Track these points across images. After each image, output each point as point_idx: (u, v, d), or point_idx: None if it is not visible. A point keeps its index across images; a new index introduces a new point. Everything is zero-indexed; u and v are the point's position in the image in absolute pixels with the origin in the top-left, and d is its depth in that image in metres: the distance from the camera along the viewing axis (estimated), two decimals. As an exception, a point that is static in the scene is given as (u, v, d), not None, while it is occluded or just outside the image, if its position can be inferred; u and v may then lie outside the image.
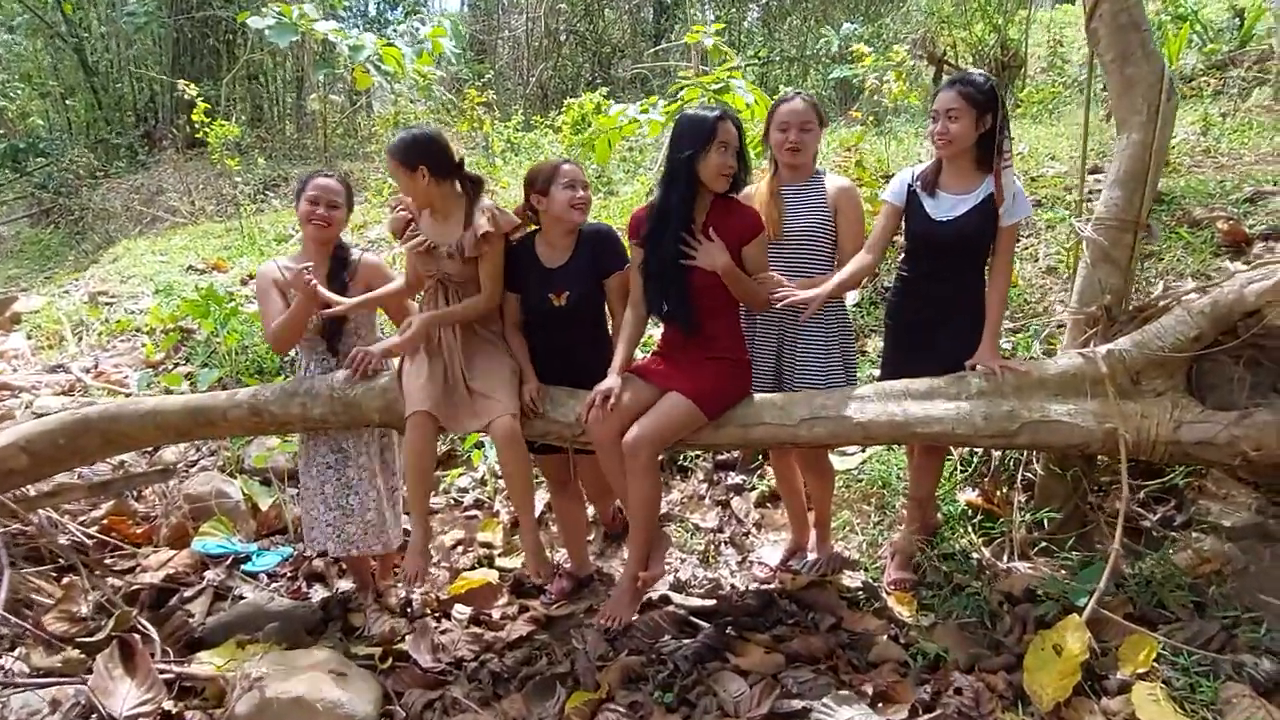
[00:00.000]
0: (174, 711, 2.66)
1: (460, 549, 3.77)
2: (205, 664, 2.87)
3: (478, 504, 4.11)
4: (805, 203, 3.06)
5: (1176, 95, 3.01)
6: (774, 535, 3.67)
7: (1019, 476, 3.39)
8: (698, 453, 4.03)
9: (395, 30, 11.09)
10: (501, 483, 4.00)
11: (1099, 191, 3.42)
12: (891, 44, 9.19)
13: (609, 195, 7.60)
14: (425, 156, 2.86)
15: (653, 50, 14.08)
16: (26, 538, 3.44)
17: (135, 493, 4.01)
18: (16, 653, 2.87)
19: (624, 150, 8.20)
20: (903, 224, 3.07)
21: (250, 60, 13.43)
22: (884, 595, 3.13)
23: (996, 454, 3.53)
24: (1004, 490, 3.46)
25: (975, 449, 3.58)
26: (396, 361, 3.08)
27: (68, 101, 14.27)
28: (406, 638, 3.07)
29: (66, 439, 3.15)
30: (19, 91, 14.06)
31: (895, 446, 3.72)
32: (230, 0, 12.50)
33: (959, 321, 2.98)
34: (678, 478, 4.11)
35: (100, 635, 2.97)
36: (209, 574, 3.51)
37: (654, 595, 3.23)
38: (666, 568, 3.32)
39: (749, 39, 14.93)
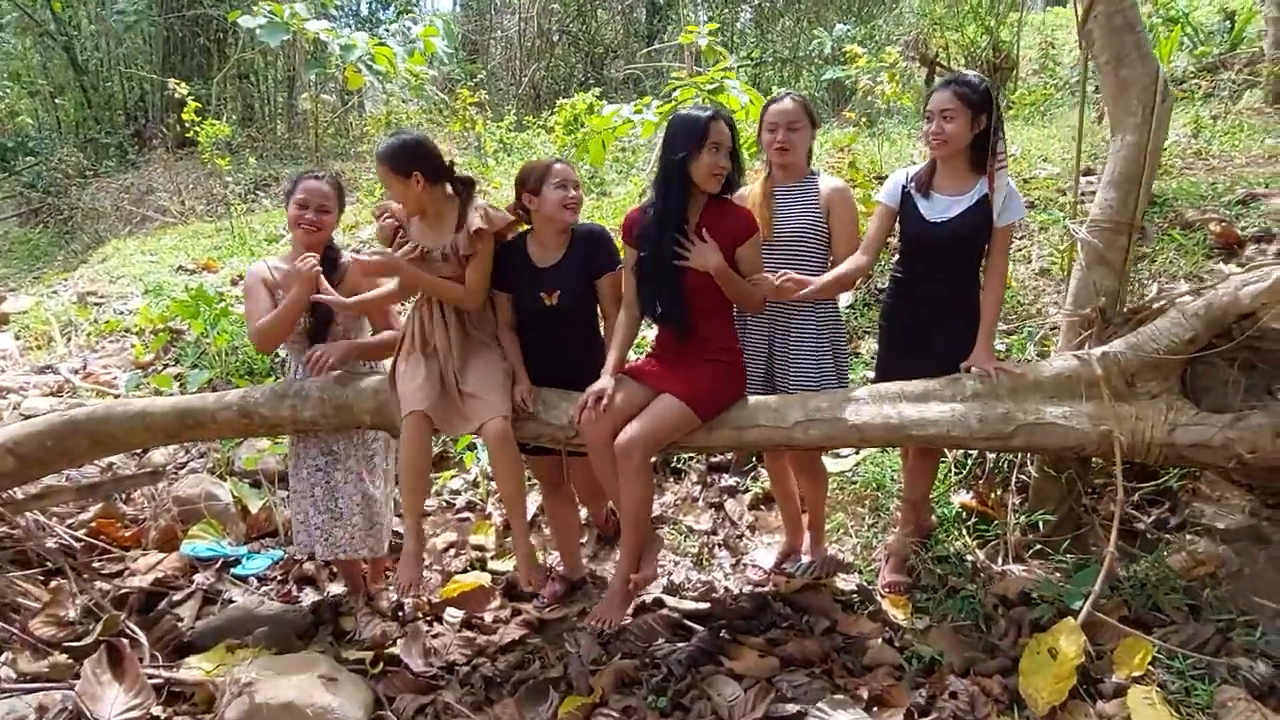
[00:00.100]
0: (163, 717, 2.64)
1: (452, 552, 3.75)
2: (194, 669, 2.85)
3: (470, 506, 4.08)
4: (798, 203, 3.05)
5: (1171, 97, 3.00)
6: (768, 538, 3.66)
7: (1013, 479, 3.38)
8: (691, 454, 4.01)
9: (387, 29, 11.04)
10: (494, 485, 3.98)
11: (1092, 193, 3.42)
12: (884, 45, 9.21)
13: (602, 196, 7.58)
14: (418, 162, 2.83)
15: (645, 51, 14.08)
16: (13, 541, 3.40)
17: (124, 495, 3.98)
18: (3, 658, 2.84)
19: (617, 151, 8.18)
20: (897, 225, 3.06)
21: (241, 59, 13.37)
22: (878, 598, 3.12)
23: (991, 456, 3.53)
24: (998, 492, 3.45)
25: (970, 451, 3.57)
26: (389, 363, 3.06)
27: (57, 100, 14.19)
28: (398, 642, 3.04)
29: (54, 441, 3.12)
30: (8, 90, 13.96)
31: (889, 449, 3.71)
32: (221, -1, 12.45)
33: (953, 323, 2.98)
34: (671, 479, 4.09)
35: (88, 640, 2.94)
36: (198, 577, 3.47)
37: (647, 598, 3.21)
38: (659, 570, 3.31)
39: (741, 40, 14.93)
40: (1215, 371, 2.75)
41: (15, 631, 2.93)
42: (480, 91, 9.98)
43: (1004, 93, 8.98)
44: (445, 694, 2.77)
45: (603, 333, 3.08)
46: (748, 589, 3.32)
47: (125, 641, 2.88)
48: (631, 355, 3.13)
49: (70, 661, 2.84)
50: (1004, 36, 9.73)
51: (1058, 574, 3.01)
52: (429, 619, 3.26)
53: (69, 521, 3.74)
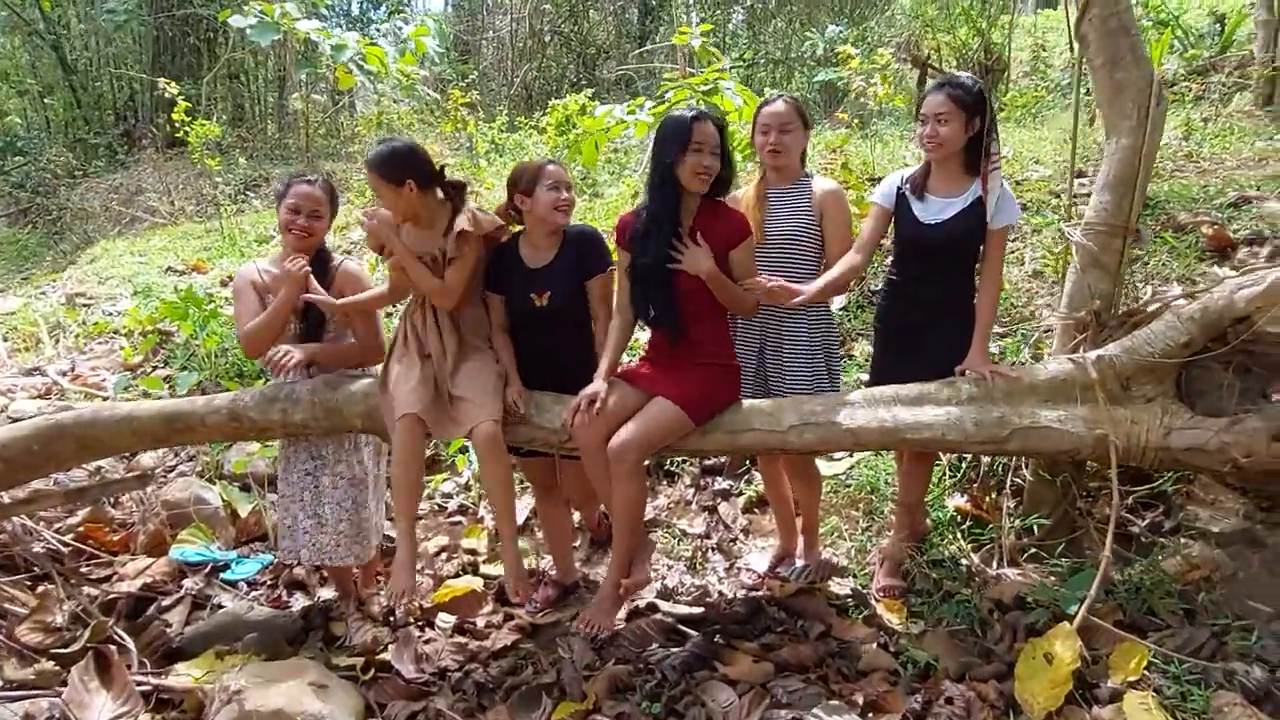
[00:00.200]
0: (151, 725, 2.61)
1: (444, 556, 3.72)
2: (183, 676, 2.81)
3: (462, 509, 4.06)
4: (791, 205, 3.04)
5: (1165, 100, 3.00)
6: (762, 541, 3.65)
7: (1008, 482, 3.37)
8: (684, 457, 3.99)
9: (378, 29, 11.00)
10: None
11: (1084, 195, 3.42)
12: (876, 47, 9.21)
13: (594, 197, 7.57)
14: (410, 169, 2.80)
15: (638, 52, 14.07)
16: (0, 545, 3.36)
17: (112, 499, 3.93)
18: (-11, 665, 2.80)
19: (609, 152, 8.17)
20: (891, 228, 3.05)
21: (231, 59, 13.32)
22: (873, 602, 3.11)
23: (985, 460, 3.52)
24: (993, 496, 3.44)
25: (964, 454, 3.56)
26: (380, 367, 3.03)
27: (46, 100, 14.12)
28: (389, 647, 3.01)
29: (40, 445, 3.08)
30: (-4, 90, 13.91)
31: (883, 452, 3.70)
32: (211, -2, 12.40)
33: (947, 324, 2.97)
34: (664, 483, 4.08)
35: (75, 646, 2.91)
36: (187, 582, 3.44)
37: (641, 603, 3.20)
38: (653, 574, 3.29)
39: (733, 41, 14.94)
40: (1210, 375, 2.75)
41: (1, 638, 2.89)
42: (472, 92, 9.97)
43: (996, 95, 9.00)
44: (437, 701, 2.74)
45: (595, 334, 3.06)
46: (742, 593, 3.30)
47: (113, 648, 2.84)
48: (625, 357, 3.10)
49: (57, 668, 2.80)
50: (995, 38, 9.77)
51: (1052, 577, 3.00)
52: (420, 624, 3.23)
53: (56, 526, 3.70)
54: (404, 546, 2.86)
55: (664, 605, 3.19)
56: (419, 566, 3.52)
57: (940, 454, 3.46)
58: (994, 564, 3.14)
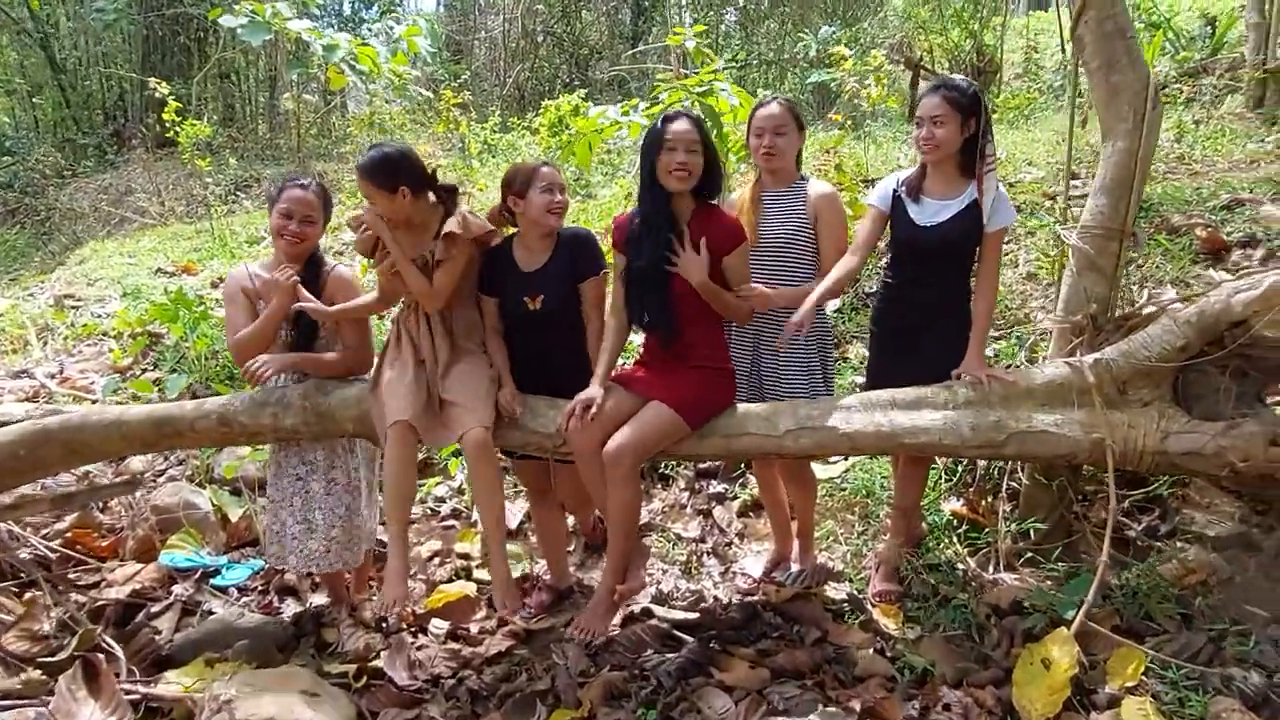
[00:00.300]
0: (140, 734, 2.57)
1: (437, 560, 3.69)
2: (173, 684, 2.78)
3: (455, 514, 4.03)
4: (786, 208, 3.03)
5: (1162, 103, 3.00)
6: (757, 545, 3.63)
7: (1004, 486, 3.36)
8: (679, 461, 3.97)
9: (370, 29, 10.95)
10: (479, 493, 3.92)
11: (1078, 197, 3.41)
12: (868, 49, 9.22)
13: (587, 199, 7.55)
14: (403, 175, 2.77)
15: (630, 52, 14.05)
16: (-14, 552, 3.33)
17: (100, 504, 3.89)
18: (-26, 674, 2.76)
19: (602, 153, 8.15)
20: (887, 230, 3.04)
21: (222, 59, 13.25)
22: (869, 607, 3.09)
23: (981, 463, 3.51)
24: (989, 500, 3.43)
25: (960, 458, 3.55)
26: (372, 372, 3.00)
27: (34, 99, 14.01)
28: (382, 654, 2.98)
29: (27, 450, 3.04)
30: (-16, 88, 13.81)
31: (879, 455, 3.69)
32: (201, -3, 12.32)
33: (943, 326, 2.96)
34: (659, 486, 4.06)
35: (63, 654, 2.86)
36: (177, 588, 3.39)
37: (636, 608, 3.17)
38: (648, 579, 3.26)
39: (726, 42, 14.94)
40: (1206, 379, 2.74)
41: (-13, 646, 2.85)
42: (464, 92, 9.93)
43: (988, 96, 9.01)
44: (430, 708, 2.71)
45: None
46: (737, 598, 3.28)
47: (101, 656, 2.80)
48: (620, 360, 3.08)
49: (44, 678, 2.75)
50: (987, 40, 9.78)
51: (1049, 582, 3.00)
52: (413, 630, 3.20)
53: (44, 531, 3.66)
54: (396, 556, 2.81)
55: (659, 610, 3.16)
56: (412, 571, 3.49)
57: (936, 458, 3.45)
58: (990, 568, 3.13)
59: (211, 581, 3.50)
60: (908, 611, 3.04)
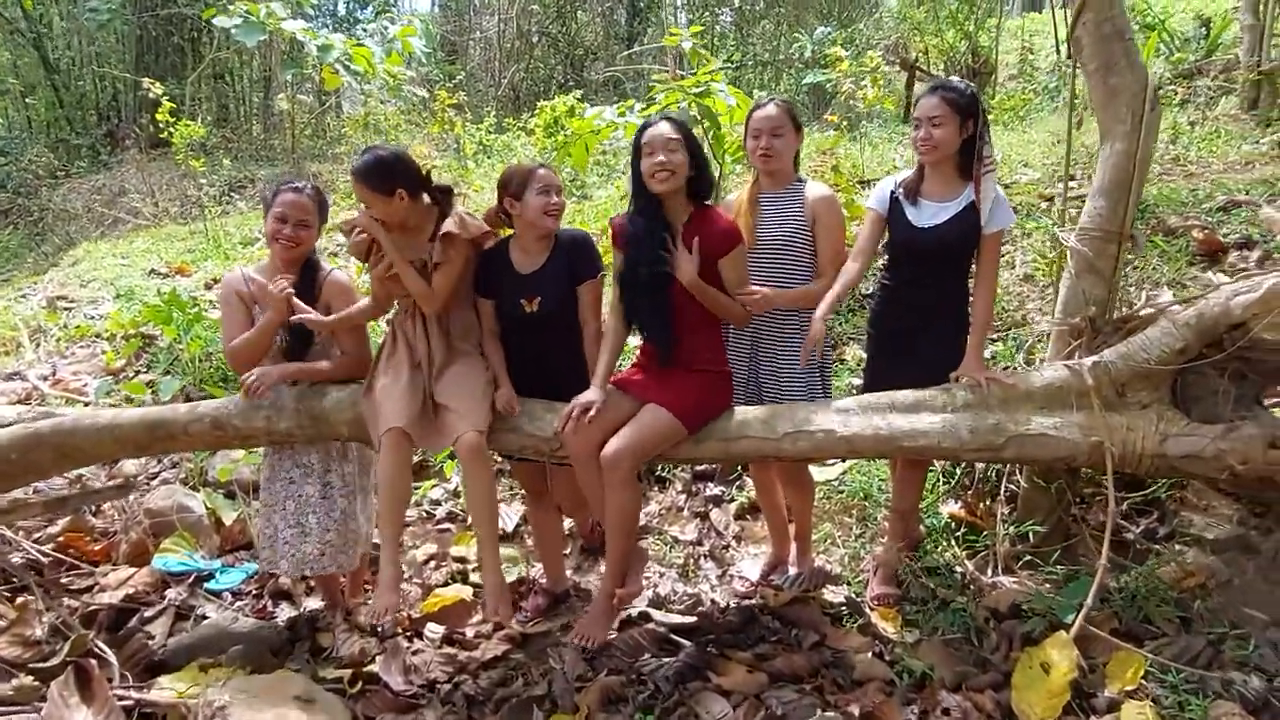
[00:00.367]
0: (133, 741, 2.55)
1: (432, 564, 3.67)
2: (166, 690, 2.74)
3: (451, 517, 4.01)
4: (783, 210, 3.01)
5: (1160, 106, 2.99)
6: (754, 548, 3.61)
7: (1002, 488, 3.35)
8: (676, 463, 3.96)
9: (365, 30, 10.93)
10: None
11: (1075, 199, 3.40)
12: (864, 50, 9.22)
13: (583, 200, 7.53)
14: (399, 178, 2.75)
15: (626, 53, 14.04)
16: (-23, 556, 3.30)
17: (93, 508, 3.86)
18: (-35, 680, 2.73)
19: (598, 154, 8.13)
20: (885, 231, 3.03)
21: (216, 59, 13.21)
22: (867, 611, 3.07)
23: (980, 466, 3.50)
24: (987, 503, 3.42)
25: (959, 461, 3.54)
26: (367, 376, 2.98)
27: (27, 99, 13.97)
28: (377, 659, 2.95)
29: (18, 454, 3.02)
30: (-24, 89, 13.75)
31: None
32: (196, -3, 12.29)
33: (941, 328, 2.95)
34: (656, 489, 4.04)
35: (55, 660, 2.83)
36: (170, 593, 3.36)
37: (633, 612, 3.15)
38: (644, 583, 3.25)
39: (721, 43, 14.94)
40: (1205, 381, 2.73)
41: (-22, 652, 2.82)
42: (459, 93, 9.92)
43: (983, 98, 9.03)
44: (426, 713, 2.69)
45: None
46: (735, 602, 3.26)
47: (94, 662, 2.77)
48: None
49: (36, 684, 2.72)
50: (983, 41, 9.80)
51: (1048, 585, 2.99)
52: (409, 635, 3.18)
53: (36, 536, 3.63)
54: (389, 566, 2.78)
55: (656, 614, 3.15)
56: (407, 574, 3.47)
57: (934, 460, 3.44)
58: (989, 571, 3.12)
59: (205, 586, 3.47)
60: (906, 615, 3.02)
